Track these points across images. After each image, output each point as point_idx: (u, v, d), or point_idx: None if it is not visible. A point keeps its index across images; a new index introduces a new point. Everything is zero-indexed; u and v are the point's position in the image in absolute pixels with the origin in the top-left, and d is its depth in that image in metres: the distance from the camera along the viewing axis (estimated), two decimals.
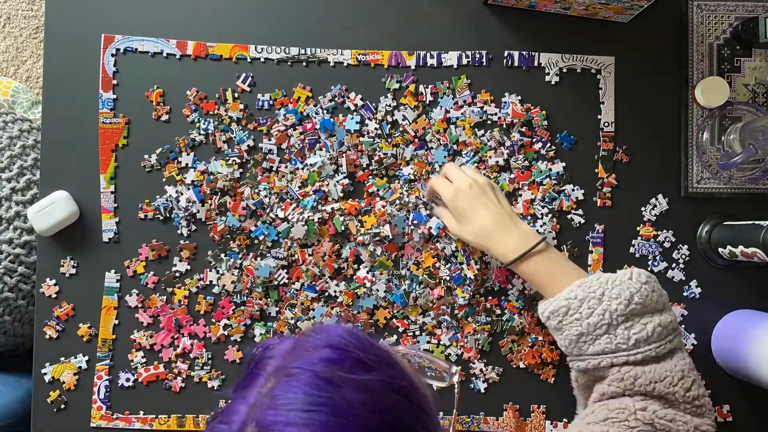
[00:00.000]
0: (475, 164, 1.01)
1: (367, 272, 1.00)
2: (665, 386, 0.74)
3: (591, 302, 0.77)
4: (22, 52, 1.78)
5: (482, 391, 1.01)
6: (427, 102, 1.02)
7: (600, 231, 1.02)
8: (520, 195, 1.01)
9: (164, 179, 1.00)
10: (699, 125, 1.02)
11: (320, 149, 1.00)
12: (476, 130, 1.01)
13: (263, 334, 1.00)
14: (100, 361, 1.00)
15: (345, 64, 1.02)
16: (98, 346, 1.00)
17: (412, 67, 1.02)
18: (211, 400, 1.00)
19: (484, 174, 0.98)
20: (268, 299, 1.00)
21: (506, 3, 1.01)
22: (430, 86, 1.02)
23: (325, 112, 1.01)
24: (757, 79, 1.03)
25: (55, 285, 1.00)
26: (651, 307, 0.77)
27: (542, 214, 1.01)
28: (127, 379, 0.99)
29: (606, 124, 1.03)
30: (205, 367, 0.99)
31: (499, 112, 1.02)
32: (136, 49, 1.01)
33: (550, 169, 1.01)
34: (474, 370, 1.00)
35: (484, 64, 1.02)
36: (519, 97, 1.02)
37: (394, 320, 1.01)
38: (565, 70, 1.03)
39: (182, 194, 0.99)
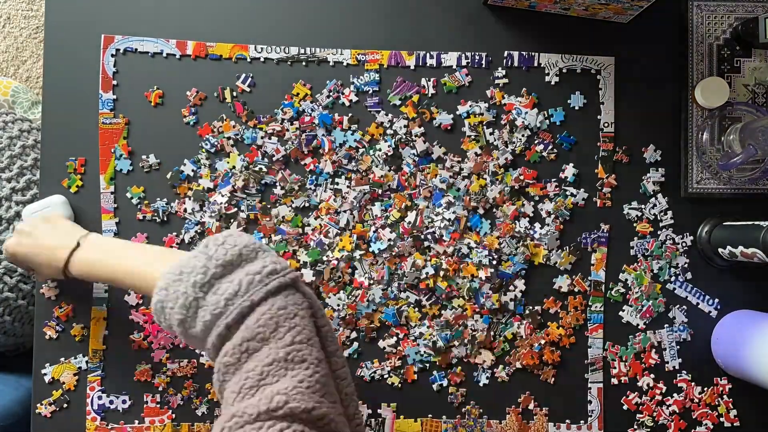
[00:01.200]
0: (477, 156, 1.01)
1: (364, 276, 1.00)
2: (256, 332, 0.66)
3: (175, 285, 0.69)
4: (22, 52, 1.78)
5: (486, 383, 1.01)
6: (429, 95, 1.02)
7: (606, 230, 1.02)
8: (520, 201, 1.01)
9: (180, 195, 1.00)
10: (699, 125, 1.02)
11: (317, 145, 1.00)
12: (486, 128, 1.02)
13: None
14: (91, 372, 0.99)
15: (345, 64, 1.02)
16: (89, 357, 0.99)
17: (412, 67, 1.02)
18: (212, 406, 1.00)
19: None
20: None
21: (506, 3, 1.01)
22: (432, 79, 1.02)
23: (322, 108, 1.01)
24: (757, 79, 1.03)
25: (55, 286, 1.00)
26: (234, 262, 0.69)
27: (545, 215, 1.01)
28: (124, 402, 0.99)
29: (606, 125, 1.03)
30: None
31: (519, 116, 1.02)
32: (136, 49, 1.01)
33: (565, 178, 1.02)
34: (483, 364, 1.01)
35: (483, 65, 1.02)
36: (519, 99, 1.02)
37: (392, 328, 1.01)
38: (564, 71, 1.03)
39: (205, 211, 1.00)
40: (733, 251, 0.95)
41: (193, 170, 1.00)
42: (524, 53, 1.03)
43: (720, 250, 0.98)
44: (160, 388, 0.99)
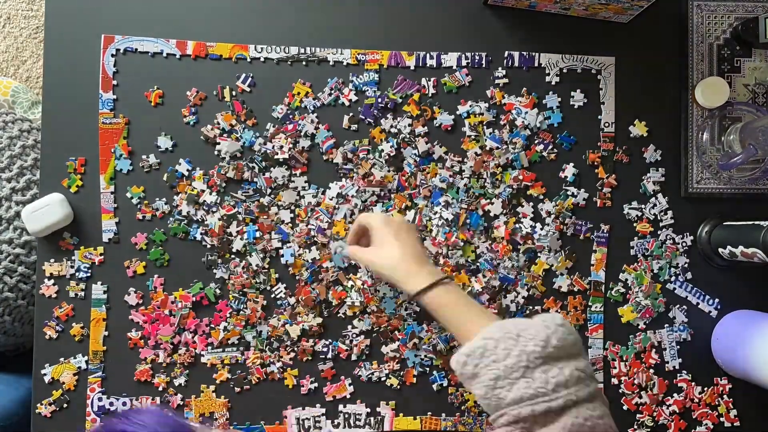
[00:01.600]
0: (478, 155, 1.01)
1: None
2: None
3: (507, 342, 0.71)
4: (22, 52, 1.78)
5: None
6: (429, 95, 1.02)
7: (605, 231, 1.02)
8: (521, 205, 1.01)
9: (177, 194, 1.00)
10: (699, 125, 1.02)
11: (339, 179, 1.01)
12: (486, 128, 1.02)
13: (255, 337, 1.00)
14: (92, 374, 0.99)
15: (345, 64, 1.02)
16: (90, 359, 0.99)
17: (412, 68, 1.02)
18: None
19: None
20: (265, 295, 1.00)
21: (506, 3, 1.01)
22: (432, 79, 1.02)
23: (323, 106, 1.01)
24: (757, 79, 1.03)
25: (54, 285, 1.00)
26: (567, 350, 0.72)
27: (545, 215, 1.01)
28: (124, 403, 0.99)
29: (606, 125, 1.03)
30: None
31: (519, 115, 1.02)
32: (136, 49, 1.01)
33: (565, 177, 1.02)
34: None
35: (484, 65, 1.02)
36: (519, 99, 1.02)
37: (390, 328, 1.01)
38: (565, 71, 1.03)
39: (201, 214, 1.00)
40: (733, 251, 0.95)
41: (188, 170, 1.00)
42: (524, 53, 1.03)
43: (720, 250, 0.98)
44: (160, 388, 0.99)
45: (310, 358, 1.00)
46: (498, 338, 0.72)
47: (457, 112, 1.02)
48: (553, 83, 1.03)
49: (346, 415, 1.00)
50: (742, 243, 0.92)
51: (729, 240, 0.96)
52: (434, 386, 1.01)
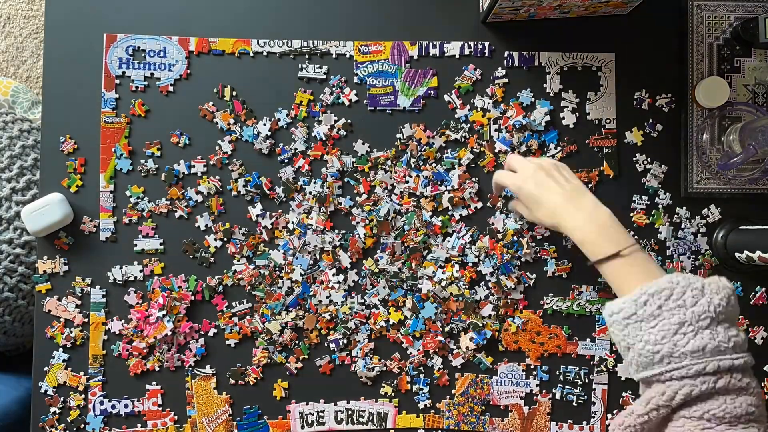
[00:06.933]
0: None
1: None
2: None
3: (694, 291, 0.68)
4: (22, 52, 1.78)
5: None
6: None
7: None
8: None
9: (168, 199, 1.00)
10: (699, 125, 1.02)
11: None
12: (493, 123, 1.02)
13: (261, 335, 1.00)
14: (92, 378, 0.99)
15: (347, 56, 1.02)
16: (90, 363, 0.99)
17: (415, 57, 1.01)
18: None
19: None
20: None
21: (505, 18, 1.01)
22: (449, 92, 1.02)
23: (325, 106, 1.01)
24: (757, 79, 1.03)
25: (57, 298, 0.99)
26: (737, 315, 0.72)
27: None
28: (126, 406, 0.99)
29: (608, 121, 1.03)
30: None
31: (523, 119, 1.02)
32: (138, 47, 1.01)
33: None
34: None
35: (486, 55, 1.02)
36: (520, 100, 1.02)
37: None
38: (565, 68, 1.03)
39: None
40: (750, 256, 0.94)
41: (184, 173, 1.00)
42: (524, 53, 1.03)
43: (737, 254, 0.97)
44: (159, 395, 0.99)
45: (306, 357, 1.00)
46: (684, 285, 0.69)
47: (463, 113, 1.02)
48: (554, 82, 1.02)
49: (350, 411, 1.00)
50: (759, 247, 0.91)
51: (745, 245, 0.95)
52: (414, 388, 1.01)
